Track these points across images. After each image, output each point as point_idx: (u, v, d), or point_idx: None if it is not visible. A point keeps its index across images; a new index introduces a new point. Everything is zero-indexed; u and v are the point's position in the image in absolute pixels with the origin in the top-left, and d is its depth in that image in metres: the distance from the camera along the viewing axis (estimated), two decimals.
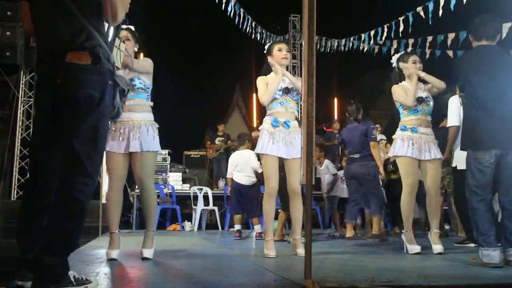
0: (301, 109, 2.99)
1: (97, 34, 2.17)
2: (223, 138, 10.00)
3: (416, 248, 3.95)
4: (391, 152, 4.21)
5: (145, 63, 3.53)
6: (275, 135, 3.74)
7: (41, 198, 2.16)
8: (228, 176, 6.46)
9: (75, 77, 2.10)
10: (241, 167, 6.21)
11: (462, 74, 3.45)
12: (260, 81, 3.88)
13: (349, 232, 5.81)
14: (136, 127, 3.43)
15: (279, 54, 3.89)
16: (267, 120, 3.83)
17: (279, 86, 3.80)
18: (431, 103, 4.11)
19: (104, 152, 3.32)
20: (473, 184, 3.29)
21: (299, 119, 3.76)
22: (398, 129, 4.14)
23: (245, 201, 6.18)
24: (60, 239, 2.05)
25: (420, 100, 4.05)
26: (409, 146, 3.98)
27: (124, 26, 3.48)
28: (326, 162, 6.73)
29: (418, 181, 4.06)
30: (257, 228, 6.03)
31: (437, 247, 3.94)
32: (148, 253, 3.45)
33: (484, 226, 3.21)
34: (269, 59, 3.95)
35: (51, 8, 2.16)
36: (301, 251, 3.65)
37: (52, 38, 2.15)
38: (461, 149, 3.53)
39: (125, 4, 2.30)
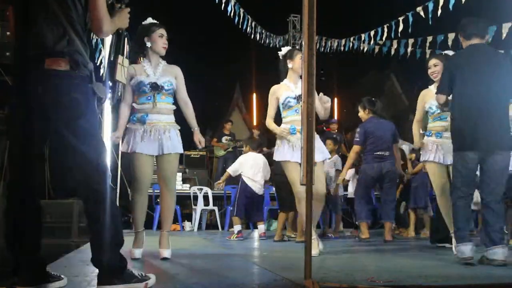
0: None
1: (78, 41, 2.18)
2: (230, 137, 10.00)
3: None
4: (421, 158, 4.23)
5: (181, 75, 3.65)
6: (294, 143, 3.78)
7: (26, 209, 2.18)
8: (231, 172, 6.11)
9: (56, 84, 2.11)
10: (254, 171, 5.96)
11: (448, 75, 3.45)
12: (271, 95, 3.99)
13: (366, 233, 5.42)
14: (167, 129, 3.47)
15: (300, 63, 3.86)
16: (284, 128, 3.92)
17: (293, 94, 3.89)
18: None
19: (134, 154, 3.38)
20: (459, 181, 3.38)
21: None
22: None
23: (253, 208, 6.00)
24: (104, 236, 2.10)
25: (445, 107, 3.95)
26: (433, 152, 3.99)
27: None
28: (335, 157, 6.37)
29: (447, 183, 3.95)
30: (261, 228, 6.00)
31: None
32: (168, 253, 3.47)
33: (460, 222, 3.33)
34: (289, 63, 4.00)
35: (36, 13, 2.15)
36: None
37: (34, 42, 2.14)
38: (454, 150, 3.51)
39: (124, 22, 2.35)
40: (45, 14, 2.15)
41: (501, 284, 2.56)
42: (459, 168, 3.38)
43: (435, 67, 4.07)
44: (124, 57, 3.23)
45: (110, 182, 2.20)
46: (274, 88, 4.03)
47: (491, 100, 3.36)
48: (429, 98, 4.10)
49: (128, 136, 3.45)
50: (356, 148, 5.71)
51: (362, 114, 5.72)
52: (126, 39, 2.88)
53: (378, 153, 5.49)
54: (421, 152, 4.19)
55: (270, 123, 4.03)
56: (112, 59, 2.93)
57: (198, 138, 3.66)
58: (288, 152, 3.83)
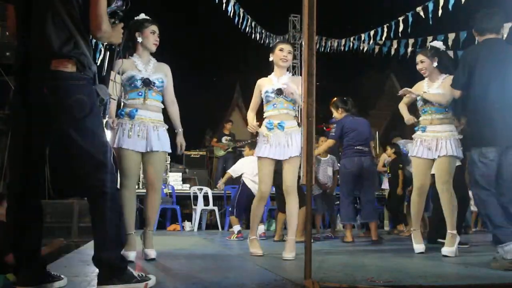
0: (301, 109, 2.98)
1: (83, 43, 2.19)
2: (230, 137, 10.00)
3: (421, 248, 3.94)
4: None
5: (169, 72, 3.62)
6: (270, 138, 3.73)
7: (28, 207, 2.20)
8: (232, 173, 6.13)
9: (62, 85, 2.12)
10: (254, 172, 5.78)
11: (467, 69, 3.34)
12: (256, 87, 3.89)
13: (349, 237, 5.33)
14: (155, 126, 3.44)
15: (279, 54, 3.84)
16: (263, 123, 3.83)
17: (271, 89, 3.78)
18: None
19: (120, 150, 3.32)
20: (480, 179, 3.22)
21: (299, 120, 3.75)
22: None
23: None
24: (107, 234, 2.11)
25: (424, 101, 3.97)
26: (418, 146, 3.95)
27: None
28: (331, 156, 6.29)
29: (428, 182, 3.99)
30: (261, 228, 6.00)
31: (445, 249, 3.76)
32: (154, 253, 3.43)
33: (498, 218, 3.07)
34: (271, 56, 3.92)
35: (42, 14, 2.16)
36: (286, 254, 3.55)
37: (40, 43, 2.14)
38: (468, 148, 3.42)
39: (117, 37, 2.34)
40: (51, 14, 2.15)
41: (501, 284, 2.55)
42: (479, 165, 3.23)
43: (422, 63, 4.03)
44: (116, 73, 3.23)
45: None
46: (259, 81, 3.91)
47: (511, 95, 3.24)
48: (419, 90, 4.06)
49: (114, 130, 3.37)
50: (330, 142, 5.69)
51: (336, 114, 5.71)
52: (119, 54, 2.86)
53: (358, 147, 5.43)
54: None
55: (248, 115, 3.94)
56: (104, 74, 2.91)
57: (181, 141, 3.62)
58: (262, 147, 3.72)
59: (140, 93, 3.41)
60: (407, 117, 4.14)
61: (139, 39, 3.46)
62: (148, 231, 3.49)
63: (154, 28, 3.50)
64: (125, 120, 3.38)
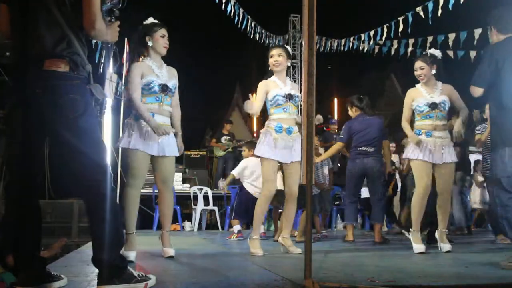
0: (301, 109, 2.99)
1: (77, 43, 2.18)
2: (229, 137, 10.01)
3: (421, 248, 3.98)
4: (404, 155, 4.31)
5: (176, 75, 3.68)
6: (277, 141, 3.78)
7: (25, 205, 2.20)
8: (235, 174, 6.11)
9: (55, 85, 2.11)
10: (254, 176, 5.90)
11: (494, 66, 3.22)
12: (261, 87, 3.89)
13: (351, 236, 5.32)
14: (170, 131, 3.51)
15: (270, 61, 3.92)
16: (270, 124, 3.85)
17: (282, 93, 3.84)
18: (446, 107, 4.05)
19: (134, 151, 3.36)
20: (504, 180, 3.10)
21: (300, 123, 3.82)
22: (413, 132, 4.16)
23: (252, 212, 5.97)
24: (106, 235, 2.11)
25: (432, 106, 4.01)
26: (422, 150, 4.01)
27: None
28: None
29: (430, 184, 4.06)
30: (260, 228, 5.98)
31: (446, 246, 4.06)
32: (173, 251, 3.52)
33: None
34: (269, 63, 3.98)
35: (35, 13, 2.15)
36: (294, 249, 3.91)
37: (33, 43, 2.13)
38: (493, 147, 3.32)
39: (113, 35, 2.33)
40: (44, 13, 2.14)
41: (501, 284, 2.55)
42: (509, 165, 3.07)
43: (421, 70, 4.09)
44: (113, 72, 3.23)
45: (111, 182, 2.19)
46: (264, 82, 3.92)
47: None
48: (417, 96, 4.11)
49: (129, 131, 3.41)
50: (338, 145, 5.60)
51: (350, 112, 5.64)
52: (115, 53, 2.85)
53: (361, 148, 5.33)
54: (406, 147, 4.27)
55: (255, 112, 3.87)
56: (100, 72, 2.90)
57: (181, 143, 3.69)
58: (270, 149, 3.78)
59: (157, 98, 3.46)
60: (416, 138, 4.06)
61: (149, 43, 3.50)
62: (165, 231, 3.58)
63: (163, 31, 3.53)
64: (140, 122, 3.40)
